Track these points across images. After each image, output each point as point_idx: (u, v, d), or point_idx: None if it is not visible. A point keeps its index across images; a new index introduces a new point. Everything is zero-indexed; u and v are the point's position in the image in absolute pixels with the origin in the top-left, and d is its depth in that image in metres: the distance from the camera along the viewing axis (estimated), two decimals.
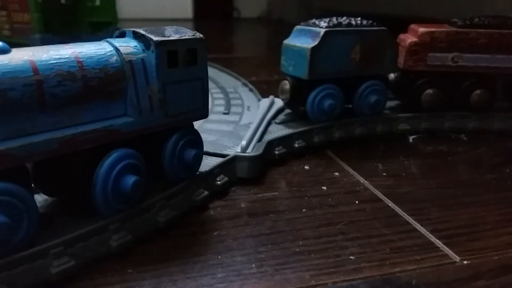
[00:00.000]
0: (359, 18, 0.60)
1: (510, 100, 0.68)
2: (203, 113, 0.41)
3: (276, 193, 0.46)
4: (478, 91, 0.65)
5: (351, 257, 0.35)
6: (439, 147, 0.60)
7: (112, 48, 0.35)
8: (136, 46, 0.36)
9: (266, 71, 1.05)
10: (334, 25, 0.58)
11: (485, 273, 0.33)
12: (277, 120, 0.60)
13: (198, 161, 0.42)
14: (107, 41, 0.35)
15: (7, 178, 0.29)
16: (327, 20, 0.58)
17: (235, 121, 0.61)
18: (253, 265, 0.33)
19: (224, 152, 0.48)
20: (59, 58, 0.31)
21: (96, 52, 0.34)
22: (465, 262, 0.34)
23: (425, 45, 0.64)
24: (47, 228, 0.33)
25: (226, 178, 0.45)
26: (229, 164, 0.46)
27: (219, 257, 0.34)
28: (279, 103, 0.66)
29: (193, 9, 2.95)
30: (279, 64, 0.61)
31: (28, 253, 0.29)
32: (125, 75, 0.34)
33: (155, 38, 0.35)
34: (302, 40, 0.57)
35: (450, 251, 0.36)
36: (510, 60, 0.64)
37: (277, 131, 0.56)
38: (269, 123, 0.59)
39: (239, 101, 0.72)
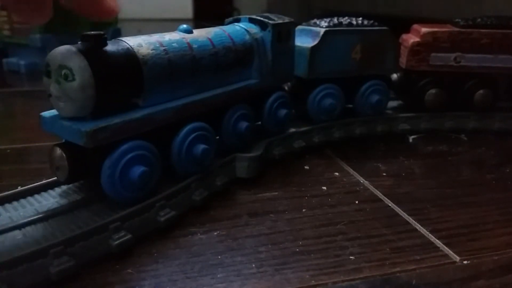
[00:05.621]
0: (360, 18, 0.60)
1: None
2: (291, 78, 0.55)
3: (276, 193, 0.46)
4: (481, 91, 0.64)
5: (351, 257, 0.35)
6: (439, 147, 0.60)
7: (244, 30, 0.47)
8: (255, 27, 0.48)
9: None
10: (335, 25, 0.58)
11: (485, 273, 0.33)
12: None
13: (288, 120, 0.53)
14: (236, 25, 0.48)
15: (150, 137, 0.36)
16: (328, 20, 0.59)
17: None
18: (253, 265, 0.33)
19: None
20: (221, 35, 0.43)
21: (237, 31, 0.46)
22: (465, 262, 0.34)
23: (428, 45, 0.63)
24: (47, 228, 0.33)
25: (226, 178, 0.45)
26: (229, 164, 0.46)
27: (219, 257, 0.34)
28: None
29: (193, 9, 2.95)
30: None
31: (28, 252, 0.29)
32: (253, 49, 0.47)
33: (271, 22, 0.48)
34: (302, 40, 0.57)
35: (450, 251, 0.36)
36: None
37: None
38: None
39: None
